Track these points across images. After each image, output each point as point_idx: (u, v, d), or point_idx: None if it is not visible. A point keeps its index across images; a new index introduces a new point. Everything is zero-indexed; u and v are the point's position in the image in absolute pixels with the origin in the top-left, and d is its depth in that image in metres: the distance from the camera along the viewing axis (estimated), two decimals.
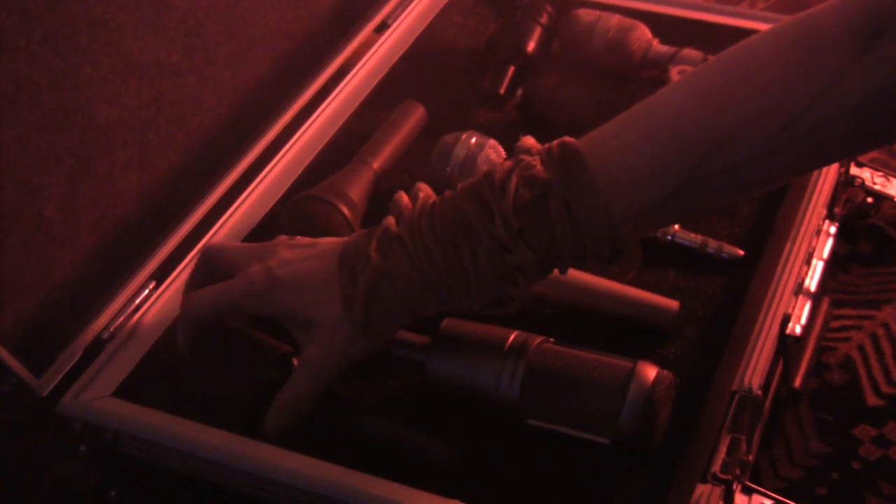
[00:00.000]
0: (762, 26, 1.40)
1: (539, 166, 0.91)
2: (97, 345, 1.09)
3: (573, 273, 1.09)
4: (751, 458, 1.01)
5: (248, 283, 0.96)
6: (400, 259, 0.93)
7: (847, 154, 1.15)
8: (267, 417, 0.96)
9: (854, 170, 1.32)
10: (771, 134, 0.86)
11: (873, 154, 1.47)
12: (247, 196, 1.23)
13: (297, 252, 0.98)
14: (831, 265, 1.25)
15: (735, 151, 0.87)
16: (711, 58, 1.31)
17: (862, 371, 1.22)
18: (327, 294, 0.94)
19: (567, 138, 0.92)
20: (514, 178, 0.90)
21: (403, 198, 0.97)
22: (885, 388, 1.20)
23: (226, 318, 1.00)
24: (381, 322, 0.95)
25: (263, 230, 1.20)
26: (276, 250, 0.98)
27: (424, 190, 0.97)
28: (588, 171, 0.89)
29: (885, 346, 1.25)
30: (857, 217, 1.38)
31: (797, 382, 1.12)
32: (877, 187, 1.33)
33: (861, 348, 1.24)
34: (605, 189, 0.89)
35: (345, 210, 1.15)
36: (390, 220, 0.95)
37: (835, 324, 1.26)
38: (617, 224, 0.90)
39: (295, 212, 1.16)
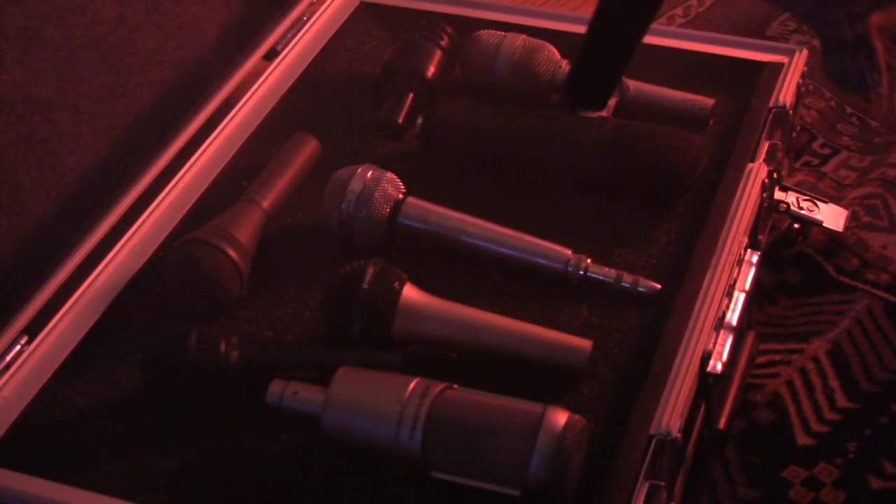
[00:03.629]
0: (679, 44, 1.44)
1: None
2: None
3: (479, 313, 1.12)
4: None
5: None
6: None
7: None
8: None
9: (778, 194, 1.34)
10: None
11: (799, 177, 1.50)
12: (126, 241, 1.22)
13: None
14: (755, 297, 1.28)
15: None
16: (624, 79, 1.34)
17: (791, 409, 1.24)
18: None
19: None
20: None
21: None
22: (815, 427, 1.22)
23: None
24: None
25: (144, 278, 1.20)
26: None
27: None
28: None
29: (816, 380, 1.27)
30: (783, 245, 1.41)
31: (721, 423, 1.14)
32: (803, 212, 1.36)
33: (790, 384, 1.26)
34: None
35: (232, 254, 1.16)
36: None
37: (761, 359, 1.28)
38: None
39: (178, 258, 1.17)
